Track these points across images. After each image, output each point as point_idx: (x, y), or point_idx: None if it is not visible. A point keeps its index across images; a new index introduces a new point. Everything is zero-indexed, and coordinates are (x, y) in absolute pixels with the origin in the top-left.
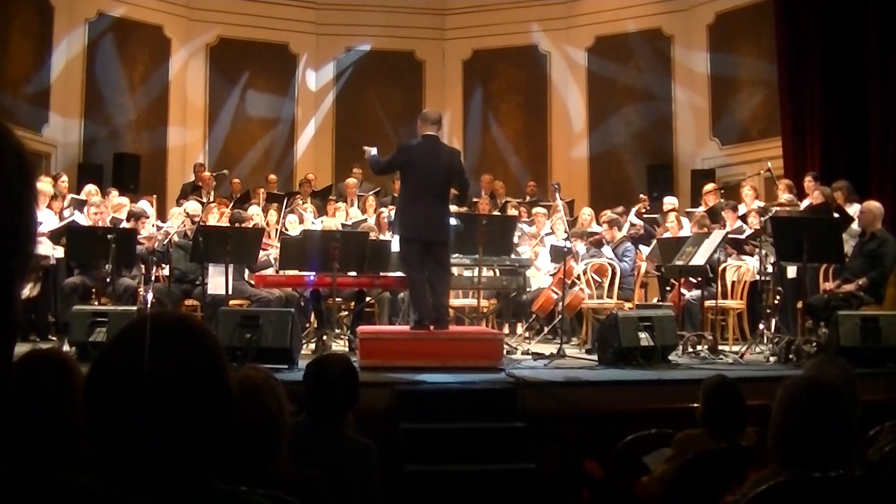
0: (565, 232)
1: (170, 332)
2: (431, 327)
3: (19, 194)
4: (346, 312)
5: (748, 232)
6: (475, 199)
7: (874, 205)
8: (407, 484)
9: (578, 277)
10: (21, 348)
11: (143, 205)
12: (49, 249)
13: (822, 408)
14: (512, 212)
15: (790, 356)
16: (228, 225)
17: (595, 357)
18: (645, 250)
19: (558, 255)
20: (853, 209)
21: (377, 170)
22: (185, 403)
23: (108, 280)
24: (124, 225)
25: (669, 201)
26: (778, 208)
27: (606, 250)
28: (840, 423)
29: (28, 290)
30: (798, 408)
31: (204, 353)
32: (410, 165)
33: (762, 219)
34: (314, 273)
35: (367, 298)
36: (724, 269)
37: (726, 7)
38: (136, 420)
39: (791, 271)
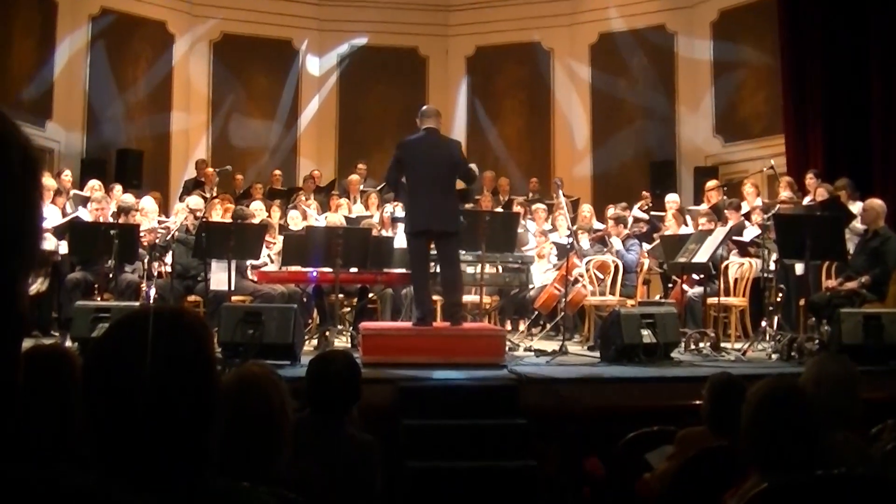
0: (568, 229)
1: (158, 325)
2: (433, 324)
3: (25, 190)
4: (349, 309)
5: (750, 229)
6: (477, 197)
7: (877, 202)
8: (409, 480)
9: (581, 275)
10: (24, 344)
11: (147, 201)
12: (53, 245)
13: (787, 410)
14: (516, 209)
15: (792, 353)
16: (231, 221)
17: (597, 354)
18: (648, 248)
19: (561, 252)
20: (855, 207)
21: (387, 178)
22: (169, 395)
23: (110, 276)
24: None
25: (671, 199)
26: (780, 206)
27: (616, 241)
28: (807, 424)
29: (37, 286)
30: (760, 414)
31: (188, 346)
32: (412, 159)
33: (765, 216)
34: (317, 269)
35: (370, 295)
36: (727, 267)
37: (730, 4)
38: (126, 414)
39: (799, 268)
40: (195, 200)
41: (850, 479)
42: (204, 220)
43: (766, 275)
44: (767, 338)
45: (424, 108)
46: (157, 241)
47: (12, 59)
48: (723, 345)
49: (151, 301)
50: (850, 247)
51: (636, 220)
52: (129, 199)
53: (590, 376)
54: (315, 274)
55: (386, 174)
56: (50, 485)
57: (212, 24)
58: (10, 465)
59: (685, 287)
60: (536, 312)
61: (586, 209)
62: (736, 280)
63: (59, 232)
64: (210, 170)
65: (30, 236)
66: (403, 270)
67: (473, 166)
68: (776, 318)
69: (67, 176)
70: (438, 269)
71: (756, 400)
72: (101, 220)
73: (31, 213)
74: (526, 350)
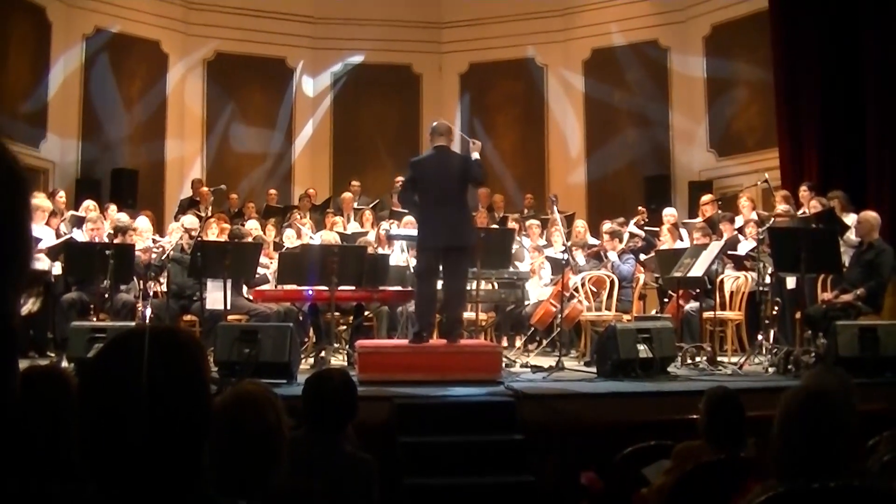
0: (563, 244)
1: (153, 344)
2: (430, 340)
3: (12, 206)
4: (345, 327)
5: (745, 243)
6: (473, 213)
7: (871, 215)
8: (406, 498)
9: (577, 289)
10: (20, 364)
11: (141, 220)
12: (47, 265)
13: (818, 418)
14: (511, 225)
15: (789, 367)
16: (227, 240)
17: (594, 369)
18: (644, 258)
19: (555, 267)
20: (849, 219)
21: (401, 198)
22: (164, 413)
23: (106, 296)
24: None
25: (669, 213)
26: (775, 219)
27: (612, 255)
28: (837, 432)
29: (30, 305)
30: (795, 420)
31: (182, 365)
32: (423, 178)
33: (760, 230)
34: (312, 287)
35: (366, 312)
36: (723, 281)
37: (722, 18)
38: (121, 432)
39: (790, 282)
40: (190, 219)
41: (846, 490)
42: (199, 239)
43: (761, 288)
44: (764, 351)
45: (435, 124)
46: (152, 260)
47: (7, 78)
48: (719, 359)
49: (147, 321)
50: (845, 259)
51: (632, 235)
52: (124, 218)
53: (586, 391)
54: (311, 292)
55: (399, 194)
56: (46, 496)
57: (206, 43)
58: (8, 479)
59: (681, 301)
60: (533, 328)
61: (580, 224)
62: (732, 294)
63: (52, 253)
64: (205, 189)
65: (19, 252)
66: (399, 288)
67: (475, 155)
68: (772, 332)
69: (62, 197)
70: (441, 285)
71: (789, 405)
72: (97, 240)
73: (19, 227)
74: (522, 366)
